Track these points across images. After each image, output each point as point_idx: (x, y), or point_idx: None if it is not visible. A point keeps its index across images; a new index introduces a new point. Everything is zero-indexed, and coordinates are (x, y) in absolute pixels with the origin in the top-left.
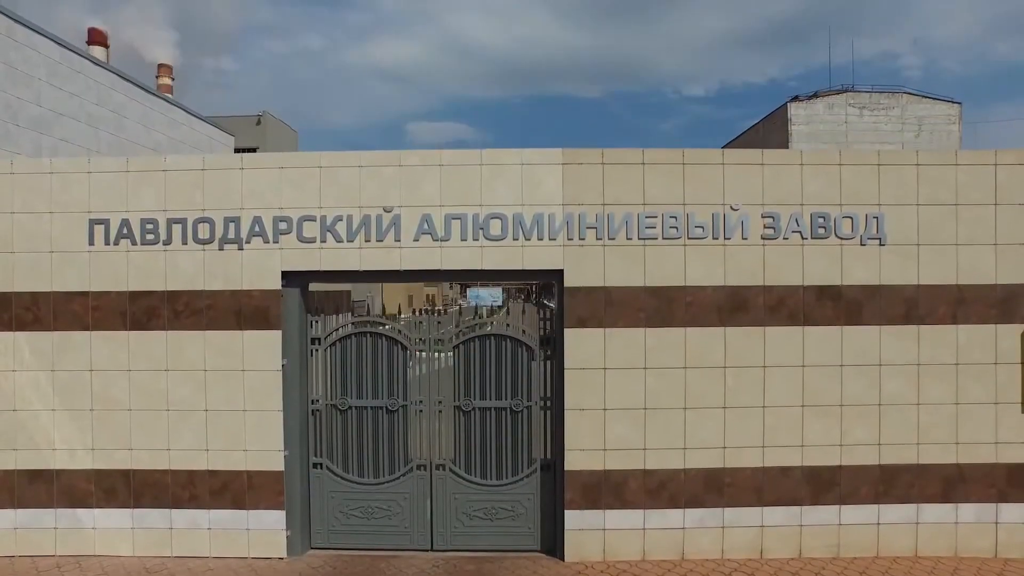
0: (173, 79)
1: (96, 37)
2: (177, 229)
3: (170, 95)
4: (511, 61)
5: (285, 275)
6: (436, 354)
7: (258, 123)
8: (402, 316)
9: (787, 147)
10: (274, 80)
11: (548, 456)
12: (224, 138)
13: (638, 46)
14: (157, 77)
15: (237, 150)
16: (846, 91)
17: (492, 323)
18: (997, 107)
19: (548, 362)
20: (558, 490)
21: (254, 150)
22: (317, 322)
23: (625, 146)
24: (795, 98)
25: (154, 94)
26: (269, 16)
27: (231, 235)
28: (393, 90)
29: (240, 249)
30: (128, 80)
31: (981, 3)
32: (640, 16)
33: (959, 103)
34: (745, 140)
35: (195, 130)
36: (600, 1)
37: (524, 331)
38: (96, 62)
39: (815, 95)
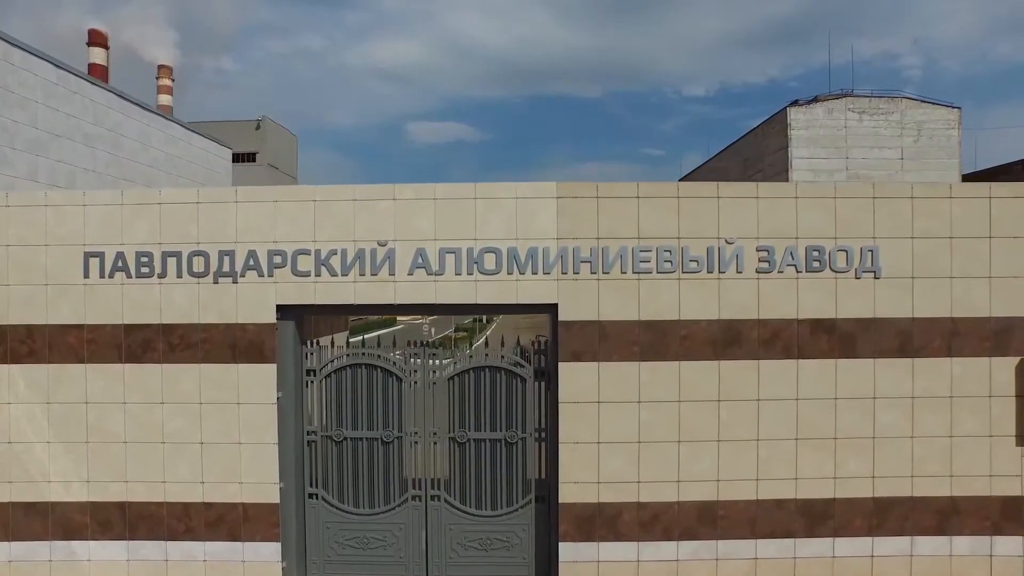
0: (173, 80)
1: (96, 38)
2: (172, 262)
3: (169, 101)
4: (511, 61)
5: (280, 308)
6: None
7: (257, 128)
8: (400, 319)
9: (786, 151)
10: (274, 80)
11: (543, 486)
12: (222, 151)
13: (638, 46)
14: (157, 78)
15: (236, 156)
16: (845, 95)
17: (487, 355)
18: (997, 107)
19: (542, 394)
20: (552, 522)
21: (253, 155)
22: (312, 354)
23: (625, 146)
24: (795, 102)
25: (151, 111)
26: (269, 16)
27: (226, 268)
28: (393, 90)
29: (235, 282)
30: (125, 98)
31: (981, 3)
32: (640, 16)
33: (958, 108)
34: (744, 143)
35: (192, 145)
36: (600, 1)
37: (519, 363)
38: (93, 82)
39: (815, 100)
